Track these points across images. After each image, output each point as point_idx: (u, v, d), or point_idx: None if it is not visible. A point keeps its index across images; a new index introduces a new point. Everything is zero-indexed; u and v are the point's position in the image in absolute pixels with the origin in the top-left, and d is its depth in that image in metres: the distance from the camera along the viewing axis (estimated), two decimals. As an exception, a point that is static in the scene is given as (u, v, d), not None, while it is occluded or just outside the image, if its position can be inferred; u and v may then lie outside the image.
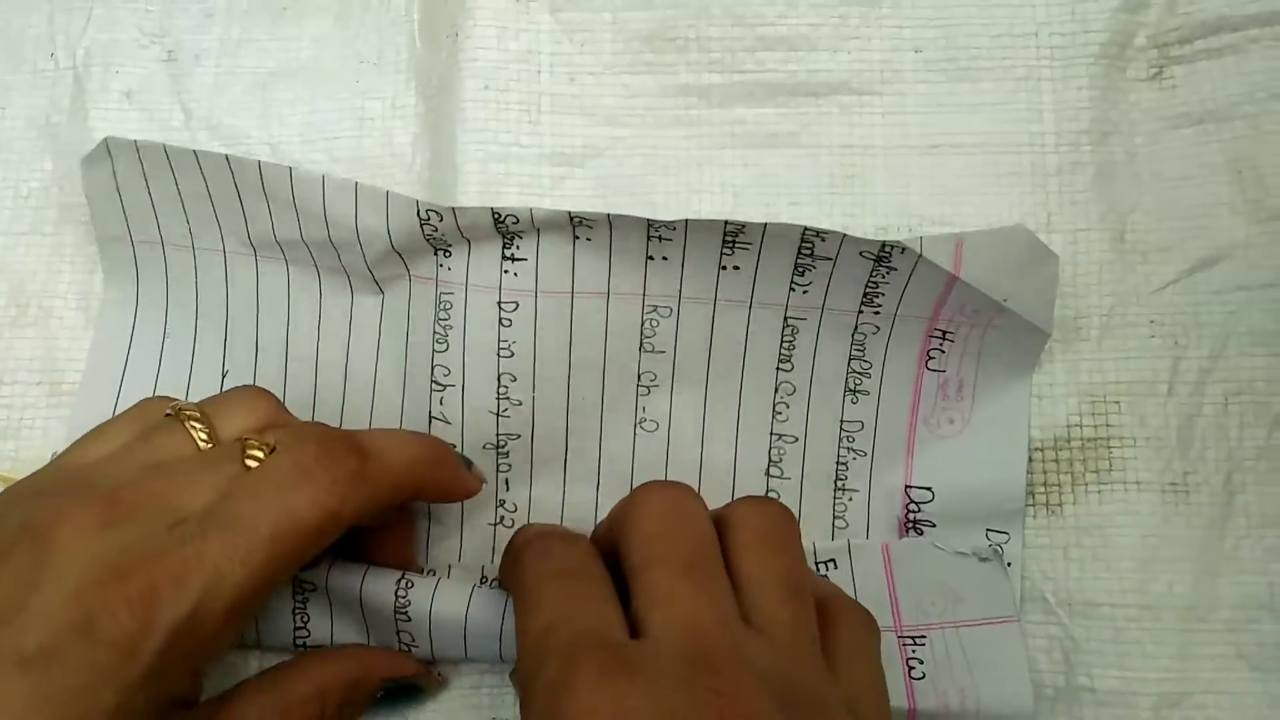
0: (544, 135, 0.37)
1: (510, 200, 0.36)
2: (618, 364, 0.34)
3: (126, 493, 0.26)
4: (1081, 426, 0.34)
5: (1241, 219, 0.34)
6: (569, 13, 0.38)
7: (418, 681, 0.32)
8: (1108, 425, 0.34)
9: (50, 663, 0.23)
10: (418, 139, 0.38)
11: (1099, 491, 0.33)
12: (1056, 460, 0.34)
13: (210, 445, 0.28)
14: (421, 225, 0.32)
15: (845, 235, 0.31)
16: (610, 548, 0.28)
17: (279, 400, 0.30)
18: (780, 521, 0.28)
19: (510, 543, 0.30)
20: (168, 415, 0.29)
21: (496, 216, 0.32)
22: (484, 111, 0.37)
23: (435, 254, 0.34)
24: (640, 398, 0.34)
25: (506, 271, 0.33)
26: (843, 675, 0.26)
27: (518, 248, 0.33)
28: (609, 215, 0.32)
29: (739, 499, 0.29)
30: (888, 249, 0.31)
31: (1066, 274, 0.35)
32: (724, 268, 0.33)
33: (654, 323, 0.34)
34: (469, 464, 0.32)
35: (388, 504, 0.29)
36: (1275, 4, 0.35)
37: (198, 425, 0.28)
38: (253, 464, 0.27)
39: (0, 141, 0.38)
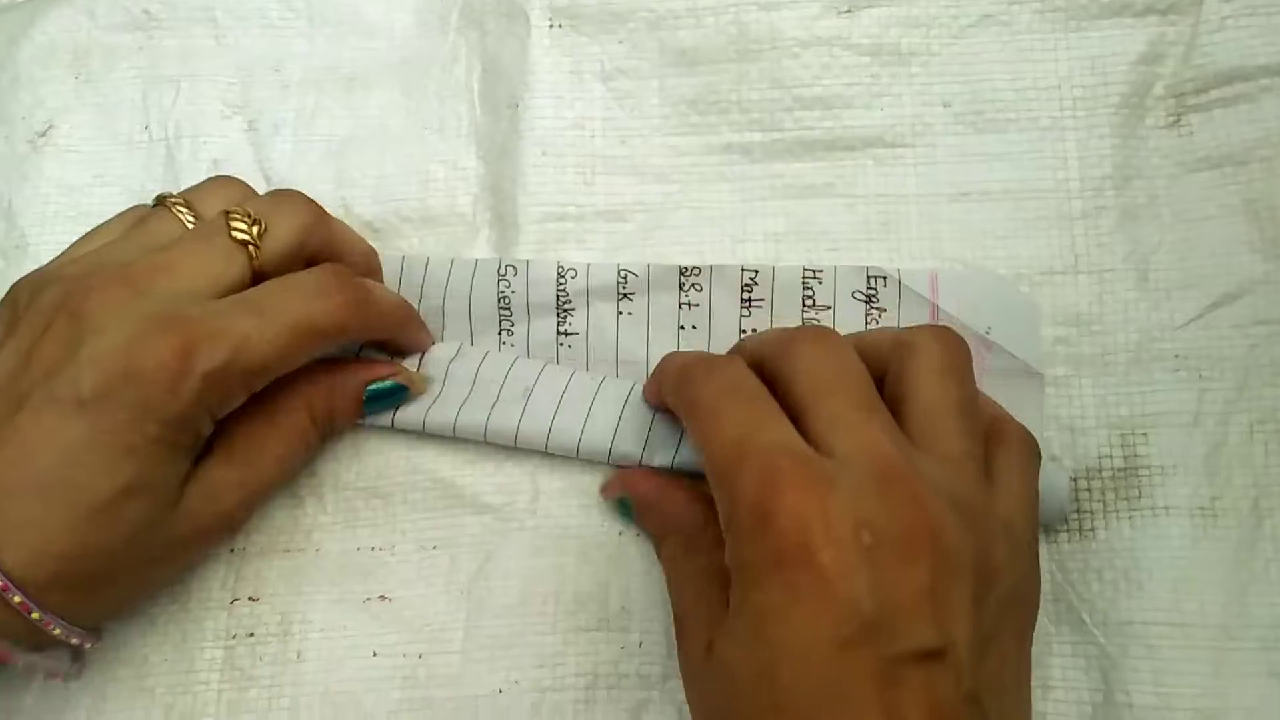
0: (598, 194, 0.40)
1: (568, 254, 0.39)
2: None
3: (136, 268, 0.31)
4: (1112, 457, 0.36)
5: (1260, 256, 0.36)
6: (619, 81, 0.41)
7: (399, 382, 0.36)
8: (1136, 455, 0.35)
9: (104, 401, 0.29)
10: (478, 199, 0.40)
11: (1130, 517, 0.35)
12: (1089, 489, 0.35)
13: (196, 224, 0.34)
14: (499, 281, 0.38)
15: (837, 268, 0.36)
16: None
17: (247, 184, 0.36)
18: (959, 351, 0.31)
19: (665, 365, 0.34)
20: (154, 206, 0.35)
21: (560, 270, 0.37)
22: (542, 175, 0.40)
23: (500, 333, 0.38)
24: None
25: (561, 344, 0.38)
26: (1001, 492, 0.29)
27: (570, 324, 0.38)
28: (649, 265, 0.37)
29: (919, 326, 0.32)
30: (873, 282, 0.36)
31: (1094, 312, 0.37)
32: (743, 331, 0.37)
33: None
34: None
35: (377, 335, 0.36)
36: (1284, 55, 0.37)
37: (183, 209, 0.34)
38: (239, 234, 0.32)
39: (100, 210, 0.41)
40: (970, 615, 0.25)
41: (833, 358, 0.30)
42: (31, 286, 0.32)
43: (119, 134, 0.42)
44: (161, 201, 0.35)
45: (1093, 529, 0.35)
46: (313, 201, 0.35)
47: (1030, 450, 0.32)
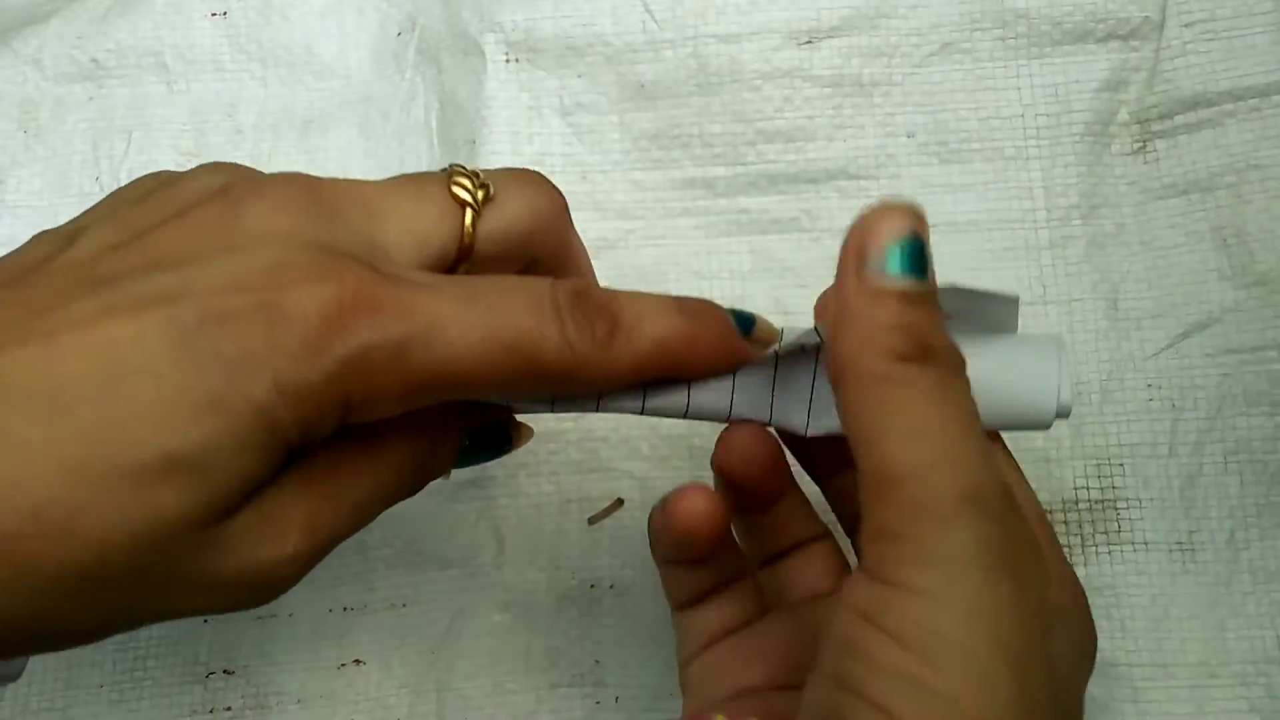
0: (559, 233, 0.39)
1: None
2: None
3: (327, 184, 0.24)
4: (1089, 489, 0.35)
5: (1229, 284, 0.36)
6: (578, 116, 0.40)
7: (503, 425, 0.28)
8: (1113, 487, 0.35)
9: (217, 328, 0.20)
10: (440, 240, 0.40)
11: (1109, 552, 0.35)
12: (1066, 523, 0.35)
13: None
14: None
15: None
16: None
17: None
18: None
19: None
20: None
21: None
22: (502, 214, 0.39)
23: None
24: None
25: None
26: None
27: None
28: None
29: None
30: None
31: (1065, 342, 0.36)
32: None
33: None
34: (749, 325, 0.26)
35: (620, 383, 0.25)
36: (1246, 80, 0.36)
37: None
38: (460, 191, 0.24)
39: (51, 266, 0.40)
40: None
41: None
42: (178, 172, 0.24)
43: (69, 187, 0.42)
44: None
45: (1073, 565, 0.34)
46: (557, 189, 0.27)
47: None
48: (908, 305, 0.22)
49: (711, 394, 0.26)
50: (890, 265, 0.22)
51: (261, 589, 0.23)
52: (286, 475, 0.23)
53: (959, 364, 0.22)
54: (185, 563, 0.21)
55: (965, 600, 0.19)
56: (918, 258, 0.22)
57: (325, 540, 0.23)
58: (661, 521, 0.27)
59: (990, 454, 0.21)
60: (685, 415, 0.26)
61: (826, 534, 0.30)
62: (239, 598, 0.23)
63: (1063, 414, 0.26)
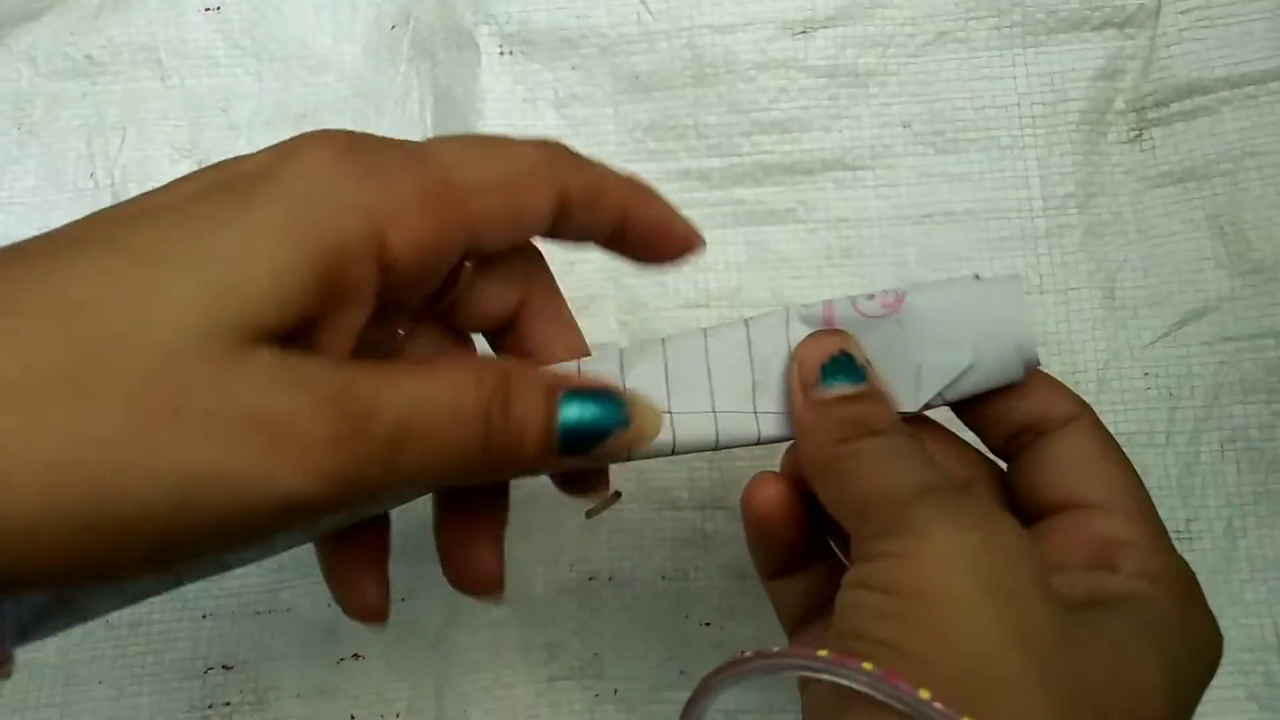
0: (555, 226, 0.39)
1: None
2: None
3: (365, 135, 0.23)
4: (1085, 478, 0.35)
5: (1225, 273, 0.36)
6: (573, 108, 0.40)
7: (616, 398, 0.24)
8: (1110, 476, 0.35)
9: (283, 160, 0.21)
10: (436, 233, 0.40)
11: (1106, 541, 0.34)
12: (1063, 512, 0.35)
13: None
14: None
15: None
16: None
17: None
18: None
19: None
20: None
21: None
22: (497, 209, 0.39)
23: None
24: None
25: None
26: None
27: None
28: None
29: None
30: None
31: (1061, 331, 0.36)
32: None
33: None
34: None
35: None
36: (1242, 67, 0.36)
37: None
38: None
39: (47, 262, 0.40)
40: None
41: None
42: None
43: (64, 183, 0.41)
44: None
45: (1068, 555, 0.34)
46: None
47: None
48: (847, 404, 0.25)
49: (696, 428, 0.27)
50: (824, 380, 0.25)
51: (274, 459, 0.19)
52: (319, 351, 0.21)
53: (908, 433, 0.25)
54: (205, 382, 0.19)
55: (938, 551, 0.21)
56: (847, 369, 0.26)
57: (350, 446, 0.20)
58: (745, 521, 0.27)
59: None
60: (673, 453, 0.27)
61: None
62: (249, 459, 0.19)
63: (1030, 366, 0.26)
